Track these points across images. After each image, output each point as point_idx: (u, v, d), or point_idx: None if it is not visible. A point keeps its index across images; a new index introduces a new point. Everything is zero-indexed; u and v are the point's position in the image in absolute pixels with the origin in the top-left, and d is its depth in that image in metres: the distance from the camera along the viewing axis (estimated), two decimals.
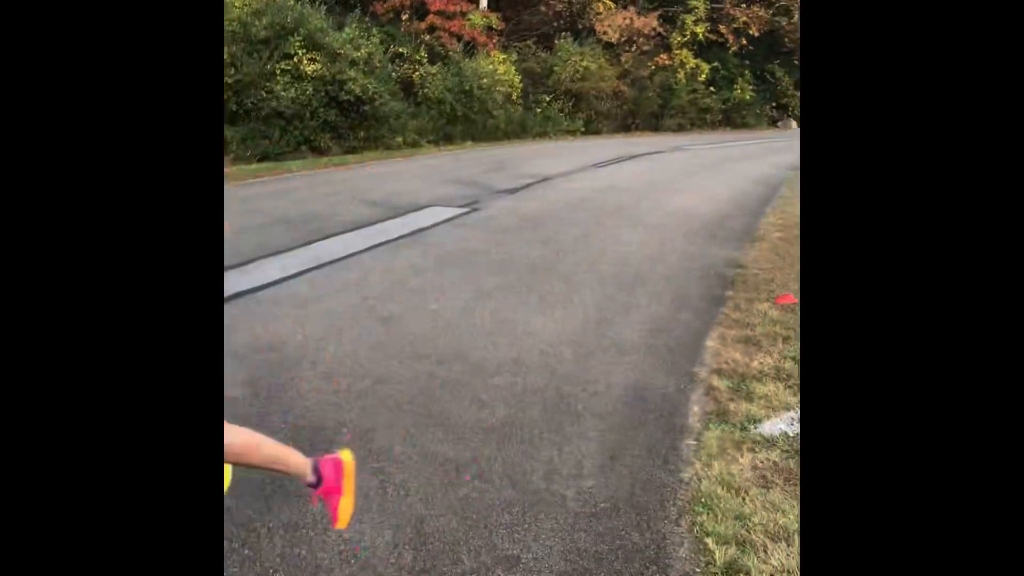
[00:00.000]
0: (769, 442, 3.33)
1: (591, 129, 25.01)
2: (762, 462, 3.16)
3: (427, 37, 20.99)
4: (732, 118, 30.11)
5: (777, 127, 31.20)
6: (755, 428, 3.47)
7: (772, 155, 18.22)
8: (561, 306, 5.44)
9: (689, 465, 3.18)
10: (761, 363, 4.29)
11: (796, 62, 29.94)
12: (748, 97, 29.98)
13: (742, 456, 3.21)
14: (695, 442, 3.38)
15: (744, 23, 28.35)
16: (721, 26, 28.67)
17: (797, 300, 5.46)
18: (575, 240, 7.75)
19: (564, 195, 10.83)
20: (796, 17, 27.90)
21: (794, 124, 31.24)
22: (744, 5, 28.61)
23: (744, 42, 28.80)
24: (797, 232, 8.04)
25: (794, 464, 3.13)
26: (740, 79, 29.96)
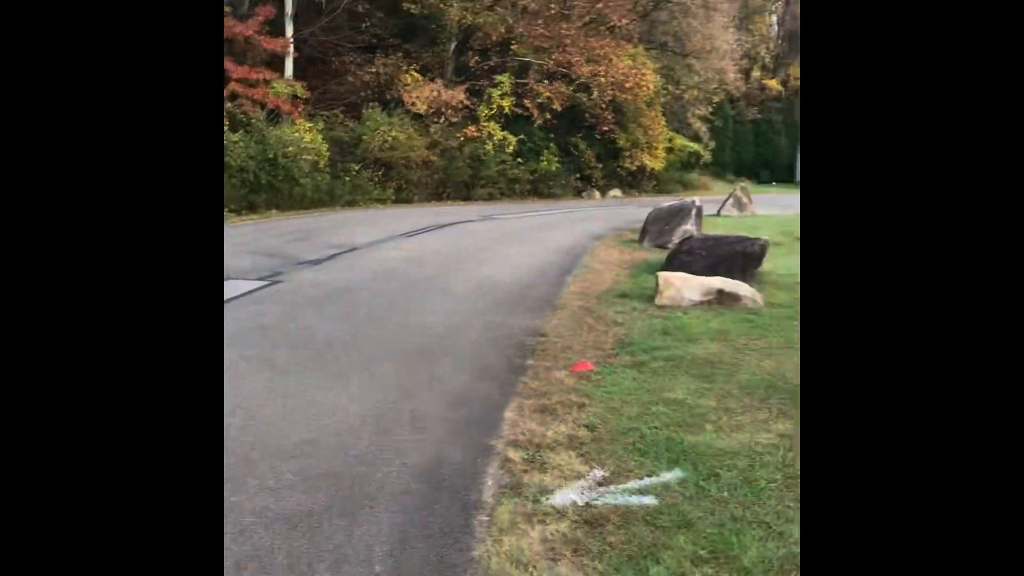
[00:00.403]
0: (559, 513, 3.37)
1: (402, 198, 25.14)
2: (551, 534, 3.18)
3: (229, 105, 20.48)
4: (540, 188, 31.18)
5: (582, 197, 32.61)
6: (546, 499, 3.51)
7: (576, 224, 19.00)
8: (361, 382, 5.34)
9: (480, 542, 3.15)
10: (556, 432, 4.37)
11: (596, 136, 31.66)
12: (554, 168, 31.21)
13: (532, 529, 3.22)
14: (487, 517, 3.37)
15: (547, 98, 29.67)
16: (526, 100, 29.86)
17: (593, 367, 5.64)
18: (380, 312, 7.68)
19: (371, 265, 10.76)
20: (596, 94, 29.57)
21: (597, 194, 32.82)
22: (547, 81, 30.00)
23: (548, 116, 30.12)
24: (597, 300, 8.38)
25: (582, 534, 3.17)
26: (546, 151, 31.18)
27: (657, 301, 8.05)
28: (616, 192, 34.19)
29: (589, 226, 18.25)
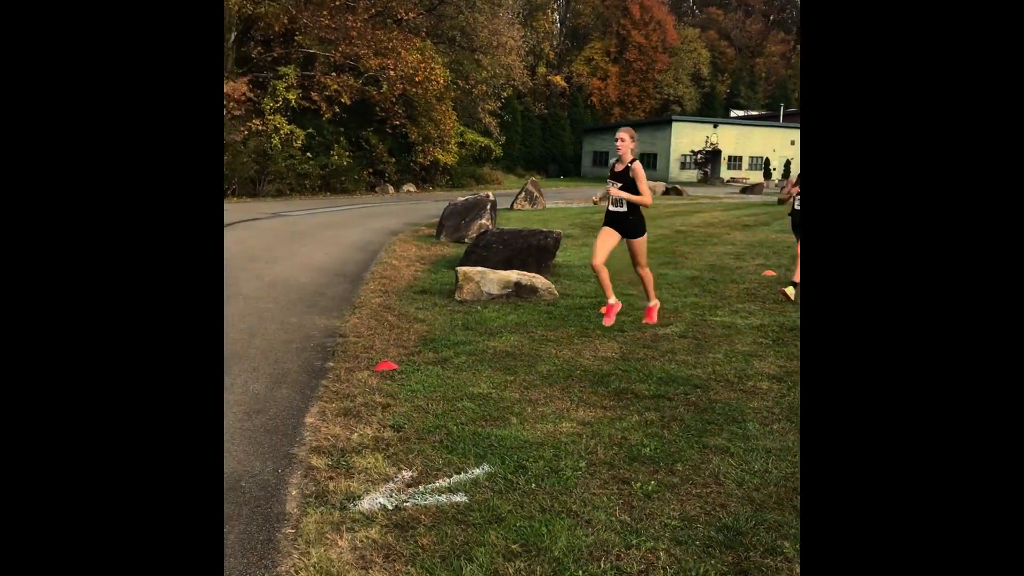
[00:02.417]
0: (368, 519, 3.28)
1: None
2: (361, 541, 3.09)
3: None
4: (331, 183, 30.55)
5: (376, 192, 32.28)
6: (354, 505, 3.40)
7: (370, 220, 18.76)
8: None
9: (286, 557, 3.00)
10: (361, 435, 4.26)
11: (388, 130, 31.41)
12: (346, 163, 30.68)
13: (341, 538, 3.11)
14: (293, 530, 3.22)
15: (336, 91, 29.08)
16: (313, 93, 29.12)
17: (396, 366, 5.56)
18: None
19: None
20: (385, 88, 29.31)
21: (391, 189, 32.59)
22: (335, 74, 29.38)
23: (337, 109, 29.53)
24: (397, 297, 8.29)
25: (393, 538, 3.10)
26: (336, 145, 30.59)
27: (457, 296, 8.09)
28: (410, 187, 34.17)
29: (385, 221, 18.07)
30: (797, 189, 8.10)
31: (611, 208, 6.70)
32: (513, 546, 3.02)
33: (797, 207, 8.13)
